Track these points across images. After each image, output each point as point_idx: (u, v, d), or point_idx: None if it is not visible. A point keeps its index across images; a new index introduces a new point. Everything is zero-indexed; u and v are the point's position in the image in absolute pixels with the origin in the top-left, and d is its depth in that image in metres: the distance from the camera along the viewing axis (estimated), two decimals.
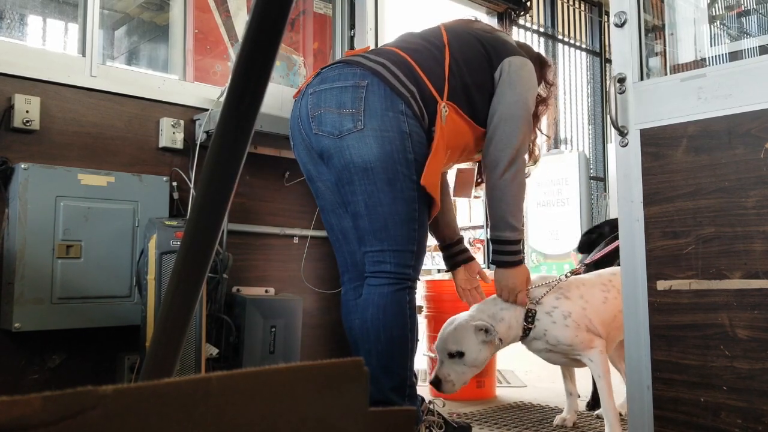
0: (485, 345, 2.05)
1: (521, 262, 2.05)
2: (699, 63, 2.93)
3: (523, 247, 2.09)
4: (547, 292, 2.12)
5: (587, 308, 2.12)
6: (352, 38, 3.27)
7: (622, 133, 1.84)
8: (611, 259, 2.45)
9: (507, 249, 2.01)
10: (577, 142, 8.69)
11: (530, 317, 2.09)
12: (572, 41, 8.61)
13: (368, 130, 1.82)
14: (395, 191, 1.85)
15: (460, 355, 2.04)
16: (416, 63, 1.93)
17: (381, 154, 1.82)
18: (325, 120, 1.88)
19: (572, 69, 8.66)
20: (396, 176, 1.85)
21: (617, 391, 2.68)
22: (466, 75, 1.97)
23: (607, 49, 8.77)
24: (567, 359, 2.18)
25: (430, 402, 2.14)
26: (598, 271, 2.32)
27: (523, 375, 3.51)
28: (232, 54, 3.05)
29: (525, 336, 2.11)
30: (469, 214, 7.65)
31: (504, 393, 3.08)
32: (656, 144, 1.77)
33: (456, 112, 1.93)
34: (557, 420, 2.38)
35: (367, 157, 1.82)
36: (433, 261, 7.28)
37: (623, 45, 1.85)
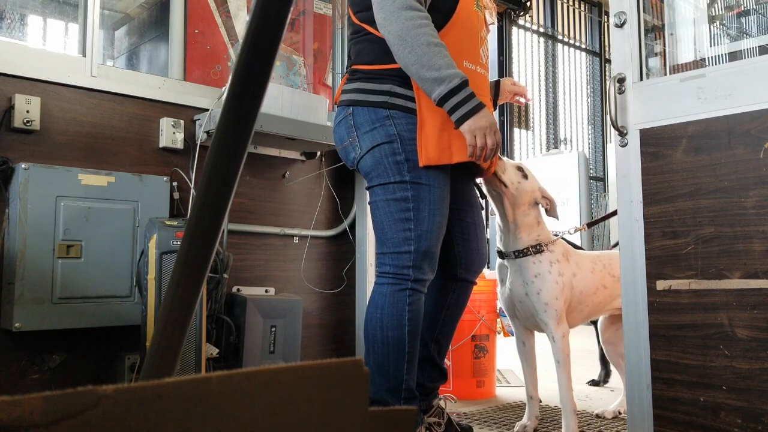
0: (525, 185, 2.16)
1: (480, 105, 1.81)
2: (699, 63, 2.93)
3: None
4: (554, 241, 2.20)
5: (577, 275, 2.20)
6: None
7: (621, 133, 1.84)
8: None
9: (453, 103, 1.79)
10: (577, 142, 8.70)
11: (539, 247, 2.14)
12: (572, 41, 8.61)
13: (364, 150, 1.92)
14: (387, 194, 1.89)
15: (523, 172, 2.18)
16: (368, 63, 1.94)
17: (372, 163, 1.90)
18: (343, 156, 2.04)
19: (572, 69, 8.67)
20: (387, 180, 1.88)
21: (620, 389, 2.67)
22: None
23: (606, 49, 8.77)
24: (531, 321, 2.19)
25: (439, 399, 2.13)
26: (594, 252, 2.46)
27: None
28: (232, 54, 3.05)
29: (526, 254, 2.13)
30: None
31: (504, 392, 3.08)
32: (656, 144, 1.78)
33: None
34: (517, 427, 2.28)
35: (366, 169, 1.94)
36: None
37: (623, 45, 1.86)
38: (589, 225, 2.71)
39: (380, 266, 1.93)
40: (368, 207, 3.01)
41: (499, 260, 2.24)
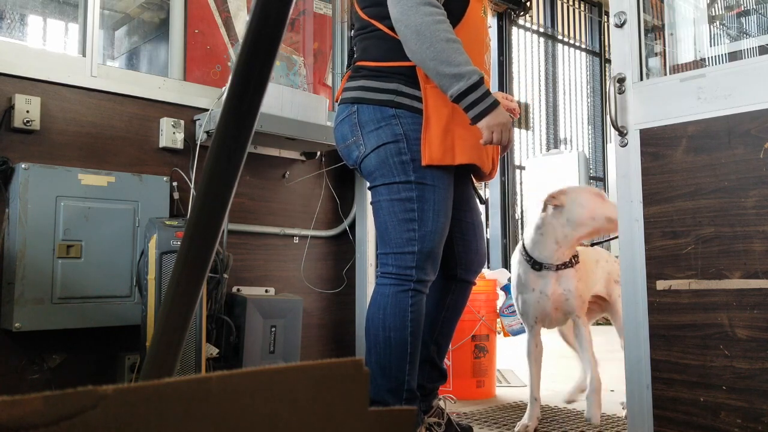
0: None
1: (496, 102, 1.81)
2: (699, 63, 2.93)
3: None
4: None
5: (588, 275, 2.33)
6: (351, 38, 3.27)
7: (621, 133, 1.84)
8: None
9: (471, 100, 1.79)
10: (577, 142, 8.70)
11: (577, 258, 2.24)
12: (572, 41, 8.61)
13: (369, 149, 1.90)
14: (392, 193, 1.88)
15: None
16: (374, 60, 1.93)
17: (377, 162, 1.89)
18: (345, 155, 2.01)
19: (572, 69, 8.67)
20: (391, 180, 1.87)
21: (620, 390, 2.66)
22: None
23: (607, 49, 8.77)
24: (560, 321, 2.30)
25: (439, 399, 2.13)
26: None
27: (523, 375, 3.51)
28: (232, 54, 3.05)
29: (568, 266, 2.20)
30: None
31: (504, 393, 3.08)
32: (656, 144, 1.78)
33: None
34: (518, 427, 2.27)
35: (370, 169, 1.91)
36: None
37: (623, 45, 1.86)
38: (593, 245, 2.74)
39: (383, 266, 1.92)
40: (369, 207, 3.02)
41: (526, 269, 2.23)
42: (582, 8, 8.74)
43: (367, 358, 1.90)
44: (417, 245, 1.85)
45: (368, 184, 1.99)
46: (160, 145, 2.56)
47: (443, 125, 1.85)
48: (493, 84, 2.30)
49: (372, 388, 1.85)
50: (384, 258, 1.92)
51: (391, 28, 1.87)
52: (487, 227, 7.64)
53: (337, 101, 2.05)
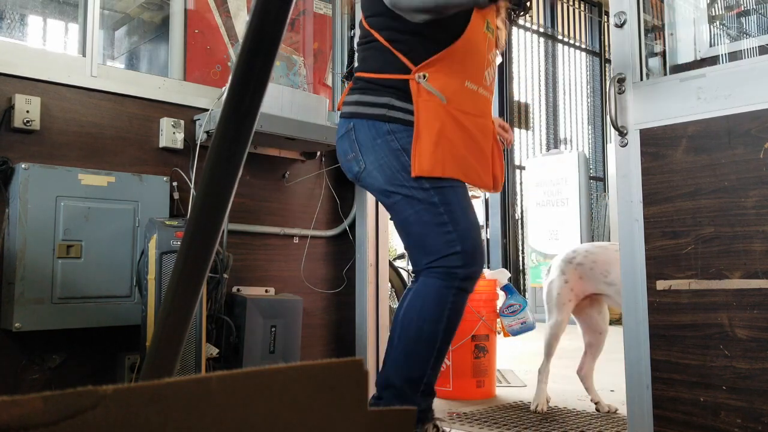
0: None
1: None
2: (699, 63, 2.93)
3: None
4: None
5: None
6: (351, 38, 3.27)
7: (621, 133, 1.84)
8: None
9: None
10: (577, 142, 8.70)
11: None
12: (572, 41, 8.62)
13: (369, 165, 1.92)
14: (414, 206, 1.88)
15: None
16: (370, 71, 1.94)
17: (386, 181, 1.90)
18: (346, 169, 2.04)
19: (572, 69, 8.67)
20: (409, 193, 1.88)
21: (621, 390, 2.66)
22: (396, 22, 1.92)
23: (607, 49, 8.77)
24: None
25: (440, 419, 2.09)
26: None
27: (523, 375, 3.51)
28: (232, 54, 3.05)
29: None
30: None
31: (504, 393, 3.08)
32: (656, 144, 1.78)
33: (428, 65, 1.91)
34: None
35: (379, 186, 1.93)
36: None
37: (623, 45, 1.86)
38: None
39: (429, 271, 1.89)
40: (369, 207, 3.02)
41: None
42: (582, 8, 8.74)
43: (389, 346, 1.90)
44: (459, 245, 1.85)
45: (382, 200, 1.99)
46: (160, 145, 2.56)
47: (434, 140, 1.86)
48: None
49: (392, 373, 1.85)
50: (428, 266, 1.88)
51: (389, 40, 1.90)
52: (487, 227, 7.63)
53: (338, 110, 2.07)
